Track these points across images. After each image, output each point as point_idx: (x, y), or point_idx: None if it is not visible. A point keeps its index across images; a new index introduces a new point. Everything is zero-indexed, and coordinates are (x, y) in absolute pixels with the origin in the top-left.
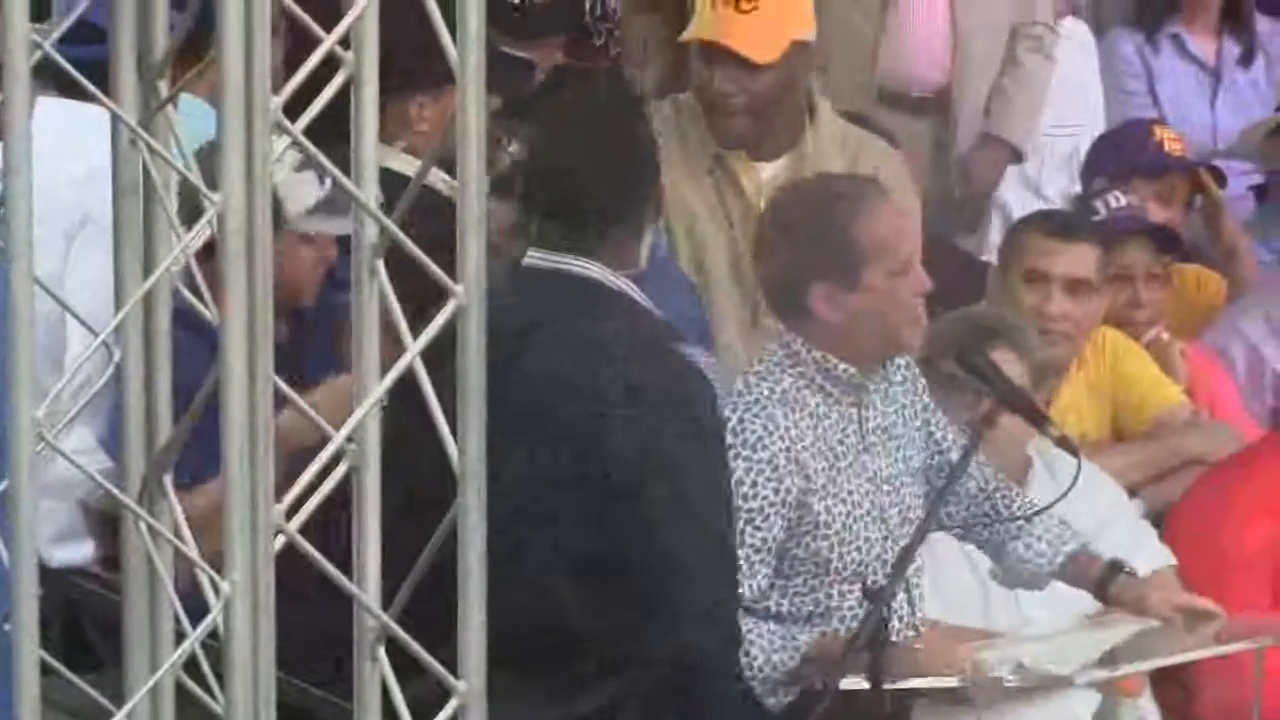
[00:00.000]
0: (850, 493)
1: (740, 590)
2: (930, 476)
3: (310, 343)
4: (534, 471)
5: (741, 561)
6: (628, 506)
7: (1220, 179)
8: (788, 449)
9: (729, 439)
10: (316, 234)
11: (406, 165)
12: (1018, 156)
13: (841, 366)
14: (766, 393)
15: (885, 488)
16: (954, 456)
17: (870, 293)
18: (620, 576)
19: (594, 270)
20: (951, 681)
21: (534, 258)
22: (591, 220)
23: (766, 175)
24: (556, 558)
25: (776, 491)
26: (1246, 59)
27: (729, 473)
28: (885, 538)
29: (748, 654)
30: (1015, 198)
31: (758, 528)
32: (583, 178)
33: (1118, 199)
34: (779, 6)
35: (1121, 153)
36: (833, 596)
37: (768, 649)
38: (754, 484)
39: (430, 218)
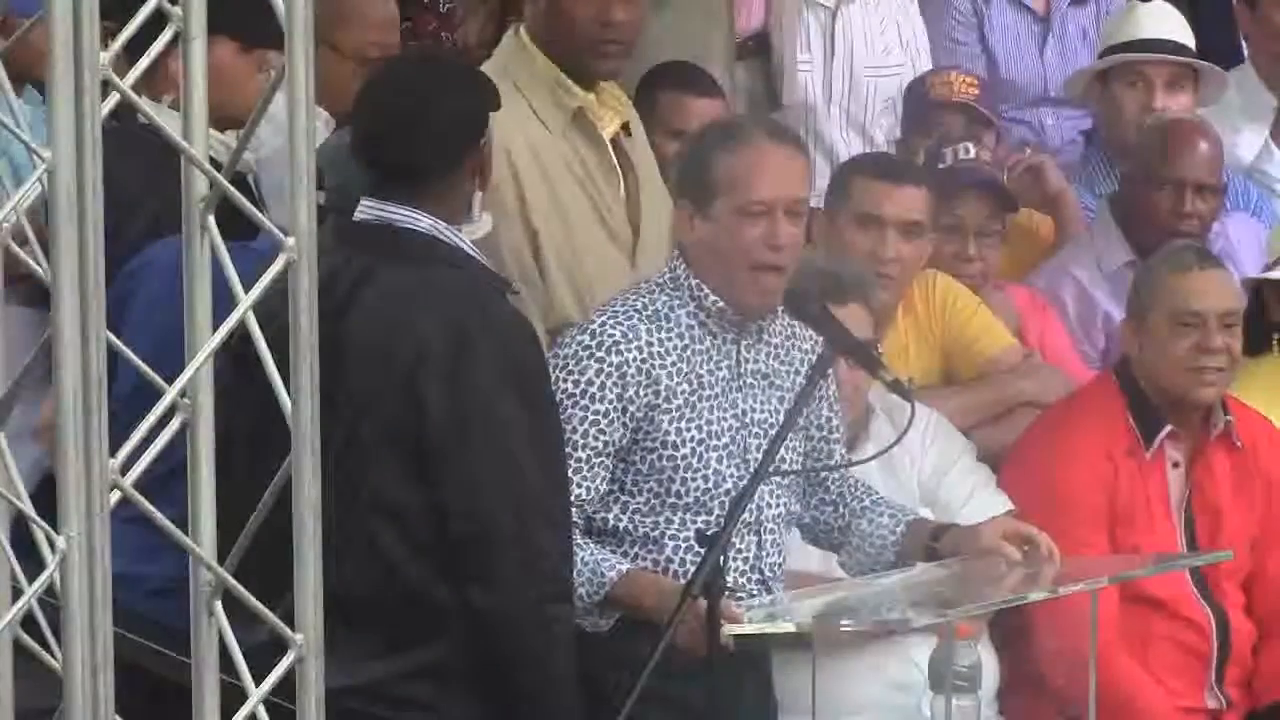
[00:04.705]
0: (710, 423)
1: (579, 491)
2: (811, 434)
3: None
4: (363, 424)
5: (582, 464)
6: (456, 459)
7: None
8: (643, 360)
9: (586, 341)
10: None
11: None
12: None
13: (712, 298)
14: (639, 307)
15: (755, 429)
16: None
17: (716, 224)
18: (450, 525)
19: (424, 223)
20: (789, 627)
21: (366, 209)
22: (416, 173)
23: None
24: (388, 511)
25: (621, 397)
26: (1077, 4)
27: (557, 423)
28: (743, 478)
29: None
30: (842, 140)
31: (602, 430)
32: (406, 133)
33: (968, 150)
34: None
35: (906, 105)
36: (672, 522)
37: (577, 580)
38: (601, 386)
39: None
